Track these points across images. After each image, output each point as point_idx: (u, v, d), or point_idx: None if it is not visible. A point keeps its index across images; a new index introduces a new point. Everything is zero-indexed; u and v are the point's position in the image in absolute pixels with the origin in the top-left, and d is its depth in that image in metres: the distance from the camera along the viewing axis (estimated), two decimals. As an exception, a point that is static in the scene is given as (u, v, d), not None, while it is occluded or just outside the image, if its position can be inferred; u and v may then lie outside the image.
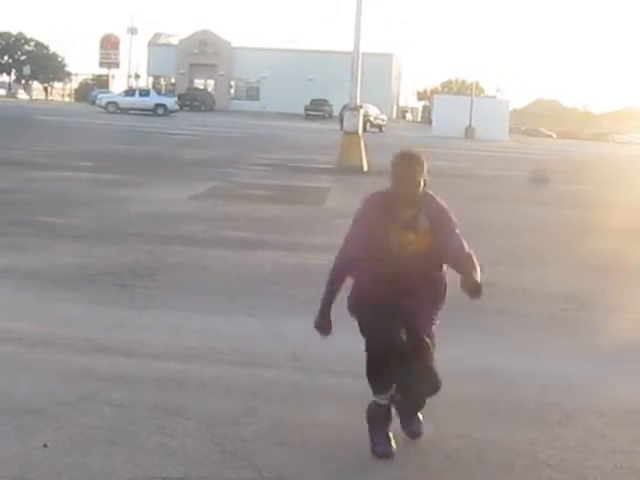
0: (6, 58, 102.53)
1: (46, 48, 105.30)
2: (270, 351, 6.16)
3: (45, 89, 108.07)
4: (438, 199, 4.48)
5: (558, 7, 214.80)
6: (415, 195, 4.39)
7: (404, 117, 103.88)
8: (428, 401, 4.65)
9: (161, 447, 4.40)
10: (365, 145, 23.76)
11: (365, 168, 22.65)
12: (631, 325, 7.68)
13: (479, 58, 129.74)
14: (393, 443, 4.37)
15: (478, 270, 4.29)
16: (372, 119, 58.76)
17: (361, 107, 25.24)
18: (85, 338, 6.21)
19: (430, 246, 4.39)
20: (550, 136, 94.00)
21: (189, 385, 5.39)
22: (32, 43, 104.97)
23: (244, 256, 9.99)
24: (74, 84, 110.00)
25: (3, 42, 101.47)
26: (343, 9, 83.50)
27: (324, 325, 4.66)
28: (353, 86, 24.39)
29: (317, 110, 76.42)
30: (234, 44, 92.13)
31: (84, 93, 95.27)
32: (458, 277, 4.35)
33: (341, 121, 32.60)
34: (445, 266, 4.54)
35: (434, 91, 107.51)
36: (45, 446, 4.33)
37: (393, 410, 4.54)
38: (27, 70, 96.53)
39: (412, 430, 4.65)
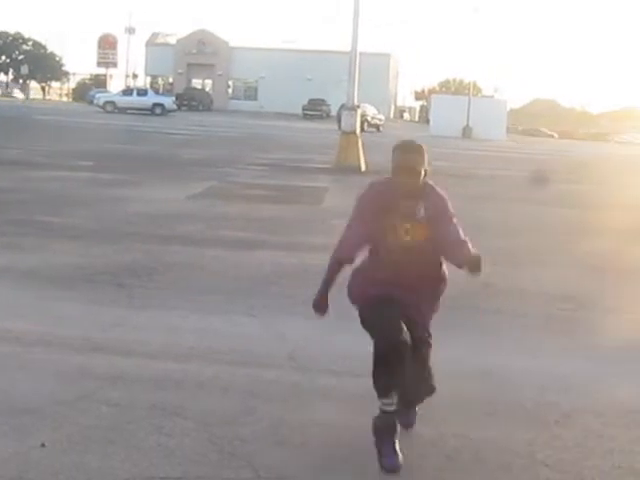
0: (3, 58, 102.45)
1: (44, 48, 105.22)
2: (269, 351, 6.16)
3: (43, 89, 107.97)
4: (438, 189, 4.48)
5: (556, 7, 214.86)
6: (415, 185, 4.39)
7: (402, 117, 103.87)
8: (427, 401, 4.65)
9: (159, 447, 4.40)
10: (363, 145, 23.76)
11: (363, 168, 22.65)
12: (629, 325, 7.68)
13: (477, 58, 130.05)
14: (400, 456, 4.32)
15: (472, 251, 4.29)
16: (370, 119, 58.78)
17: (359, 107, 25.25)
18: (83, 338, 6.20)
19: (427, 236, 4.39)
20: (552, 136, 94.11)
21: (187, 385, 5.38)
22: (30, 42, 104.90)
23: (242, 256, 9.98)
24: (72, 84, 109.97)
25: (1, 42, 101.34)
26: (341, 9, 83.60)
27: (321, 304, 4.66)
28: (351, 86, 24.39)
29: (315, 110, 76.46)
30: (232, 44, 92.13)
31: (82, 93, 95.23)
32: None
33: (339, 121, 32.61)
34: (445, 266, 4.54)
35: (432, 91, 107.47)
36: (43, 445, 4.32)
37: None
38: (25, 70, 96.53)
39: (407, 421, 4.65)
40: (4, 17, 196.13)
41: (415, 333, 4.38)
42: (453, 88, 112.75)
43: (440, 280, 4.58)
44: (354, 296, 4.60)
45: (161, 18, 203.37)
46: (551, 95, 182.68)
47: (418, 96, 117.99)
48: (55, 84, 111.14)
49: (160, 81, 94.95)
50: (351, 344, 5.72)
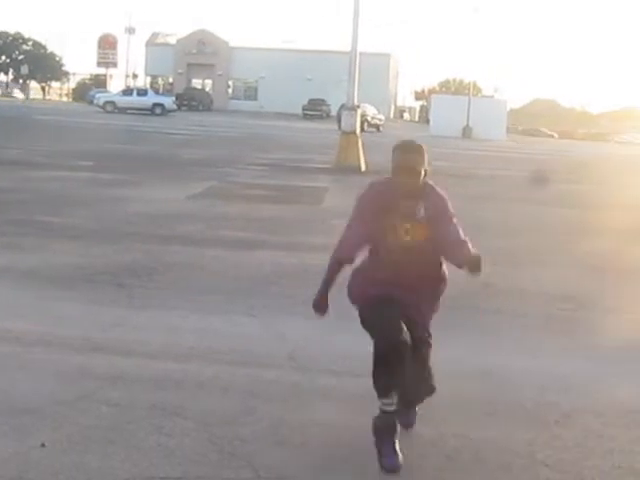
0: (3, 58, 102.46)
1: (44, 48, 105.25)
2: (269, 351, 6.16)
3: (43, 89, 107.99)
4: (438, 189, 4.47)
5: (555, 7, 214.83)
6: (415, 185, 4.38)
7: (402, 117, 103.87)
8: (427, 401, 4.65)
9: (159, 447, 4.40)
10: (363, 145, 23.76)
11: (363, 168, 22.65)
12: (629, 325, 7.68)
13: (477, 58, 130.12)
14: (400, 456, 4.32)
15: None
16: (370, 119, 58.78)
17: (359, 107, 25.25)
18: (83, 338, 6.20)
19: (427, 236, 4.38)
20: (552, 136, 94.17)
21: (187, 385, 5.38)
22: (30, 43, 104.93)
23: (242, 256, 9.98)
24: (72, 84, 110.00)
25: (1, 42, 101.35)
26: (341, 9, 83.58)
27: (321, 305, 4.66)
28: (351, 86, 24.39)
29: (315, 110, 76.47)
30: (232, 44, 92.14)
31: (82, 93, 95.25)
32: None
33: (339, 121, 32.61)
34: (445, 266, 4.53)
35: (432, 91, 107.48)
36: (43, 445, 4.32)
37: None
38: (25, 70, 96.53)
39: (407, 421, 4.65)
40: (4, 17, 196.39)
41: (415, 333, 4.37)
42: (453, 88, 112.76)
43: (440, 280, 4.58)
44: (354, 296, 4.60)
45: (161, 18, 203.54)
46: (551, 95, 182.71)
47: (418, 96, 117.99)
48: (55, 84, 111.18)
49: (160, 81, 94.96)
50: (351, 344, 5.72)
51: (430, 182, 4.46)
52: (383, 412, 4.36)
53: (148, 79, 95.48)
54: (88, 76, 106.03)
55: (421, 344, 4.43)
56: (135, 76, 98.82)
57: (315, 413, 5.02)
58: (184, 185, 16.83)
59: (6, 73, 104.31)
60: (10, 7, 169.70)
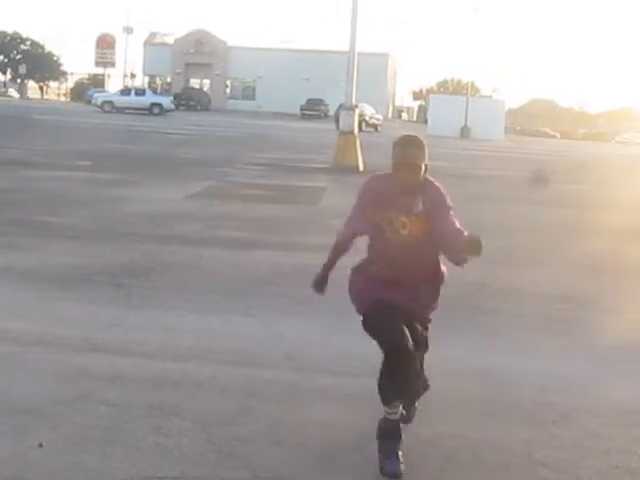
0: (1, 57, 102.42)
1: (42, 47, 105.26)
2: (267, 351, 6.16)
3: (41, 88, 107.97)
4: (437, 184, 4.43)
5: (554, 8, 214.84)
6: (416, 181, 4.34)
7: (400, 117, 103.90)
8: (426, 401, 4.65)
9: (157, 447, 4.40)
10: (361, 145, 23.76)
11: (361, 168, 22.65)
12: (627, 325, 7.69)
13: (475, 58, 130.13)
14: (402, 463, 4.30)
15: None
16: (368, 119, 58.82)
17: (357, 107, 25.26)
18: (81, 337, 6.20)
19: (425, 231, 4.34)
20: (554, 136, 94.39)
21: (185, 385, 5.38)
22: (28, 42, 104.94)
23: (240, 256, 9.98)
24: (70, 83, 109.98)
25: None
26: (339, 9, 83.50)
27: (321, 283, 4.62)
28: (349, 86, 24.40)
29: (313, 110, 76.46)
30: (230, 43, 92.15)
31: (80, 92, 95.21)
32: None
33: (337, 121, 32.68)
34: (443, 265, 4.52)
35: (430, 91, 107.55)
36: (41, 445, 4.32)
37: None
38: (23, 69, 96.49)
39: (407, 417, 4.65)
40: (2, 17, 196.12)
41: (415, 336, 4.36)
42: (451, 88, 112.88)
43: (437, 276, 4.54)
44: (354, 294, 4.58)
45: (159, 18, 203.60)
46: (549, 95, 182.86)
47: (416, 96, 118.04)
48: (53, 84, 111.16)
49: (158, 81, 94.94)
50: (349, 344, 5.73)
51: (430, 178, 4.44)
52: (388, 421, 4.36)
53: (146, 79, 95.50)
54: (86, 76, 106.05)
55: (419, 345, 4.43)
56: (133, 76, 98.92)
57: (313, 413, 5.02)
58: (182, 185, 16.83)
59: (4, 73, 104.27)
60: (8, 7, 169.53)
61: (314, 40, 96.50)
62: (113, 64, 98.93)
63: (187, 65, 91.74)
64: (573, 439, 4.85)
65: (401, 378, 4.24)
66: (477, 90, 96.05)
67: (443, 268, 4.55)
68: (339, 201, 13.84)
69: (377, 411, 4.48)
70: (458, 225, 4.28)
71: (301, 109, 77.17)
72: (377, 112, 65.92)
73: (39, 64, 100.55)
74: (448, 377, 5.09)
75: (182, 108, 70.97)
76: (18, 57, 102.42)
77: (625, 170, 33.47)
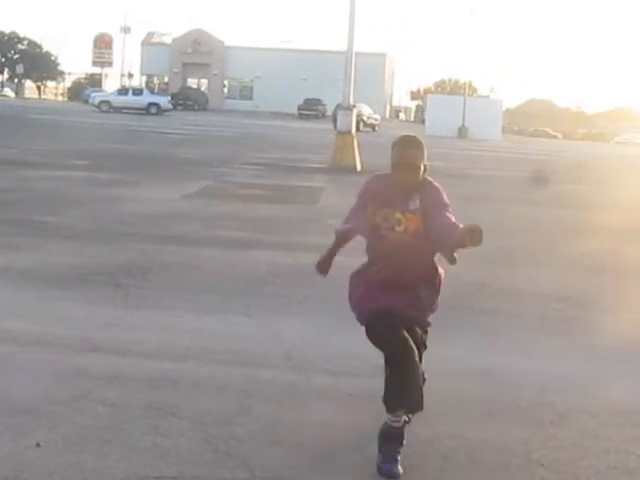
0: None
1: (39, 47, 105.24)
2: (265, 351, 6.15)
3: (38, 88, 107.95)
4: (436, 184, 4.41)
5: (551, 8, 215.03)
6: (415, 181, 4.33)
7: (397, 117, 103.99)
8: (426, 401, 4.64)
9: (154, 446, 4.39)
10: (358, 145, 23.78)
11: (358, 167, 22.66)
12: (626, 325, 7.69)
13: (473, 58, 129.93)
14: (400, 466, 4.28)
15: None
16: (365, 119, 58.83)
17: (354, 107, 25.24)
18: (79, 337, 6.19)
19: (420, 229, 4.30)
20: (555, 137, 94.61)
21: (182, 385, 5.37)
22: (25, 42, 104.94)
23: (238, 256, 9.98)
24: (67, 83, 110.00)
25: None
26: (337, 9, 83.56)
27: (324, 265, 4.50)
28: (346, 86, 24.39)
29: (310, 110, 76.49)
30: (227, 43, 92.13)
31: (77, 92, 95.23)
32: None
33: (334, 121, 32.64)
34: (440, 267, 4.51)
35: (427, 91, 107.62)
36: (38, 445, 4.31)
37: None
38: (20, 69, 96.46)
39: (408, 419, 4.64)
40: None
41: (414, 340, 4.35)
42: (449, 88, 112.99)
43: (435, 277, 4.52)
44: (354, 302, 4.55)
45: (157, 17, 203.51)
46: (546, 95, 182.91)
47: (414, 96, 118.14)
48: (51, 83, 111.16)
49: (155, 80, 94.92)
50: (347, 344, 5.72)
51: (429, 178, 4.43)
52: (391, 427, 4.36)
53: (143, 78, 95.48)
54: (83, 75, 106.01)
55: (418, 348, 4.41)
56: (130, 75, 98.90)
57: (311, 413, 5.02)
58: (179, 185, 16.82)
59: (1, 72, 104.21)
60: (5, 6, 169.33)
61: (312, 40, 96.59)
62: (110, 64, 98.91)
63: (185, 65, 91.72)
64: (571, 439, 4.84)
65: (405, 387, 4.22)
66: (474, 90, 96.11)
67: (441, 270, 4.53)
68: (337, 201, 13.85)
69: (376, 411, 4.48)
70: (455, 221, 4.25)
71: (299, 109, 77.21)
72: (375, 112, 65.99)
73: (36, 64, 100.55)
74: (447, 377, 5.09)
75: (179, 108, 71.00)
76: (15, 57, 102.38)
77: (624, 170, 33.49)
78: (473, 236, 3.89)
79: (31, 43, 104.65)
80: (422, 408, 4.32)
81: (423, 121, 73.27)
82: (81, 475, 4.05)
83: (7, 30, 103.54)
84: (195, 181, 17.67)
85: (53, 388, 5.17)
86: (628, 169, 35.53)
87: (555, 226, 14.25)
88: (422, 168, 4.34)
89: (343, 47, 24.86)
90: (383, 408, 4.33)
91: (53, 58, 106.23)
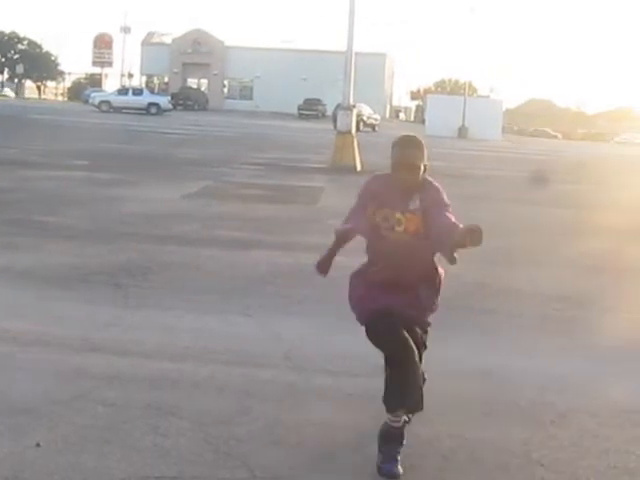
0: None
1: (39, 47, 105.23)
2: (265, 351, 6.15)
3: (38, 88, 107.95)
4: (436, 184, 4.40)
5: (551, 8, 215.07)
6: (415, 181, 4.32)
7: (397, 117, 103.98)
8: (426, 401, 4.64)
9: (154, 446, 4.39)
10: (358, 144, 23.77)
11: (358, 167, 22.66)
12: (626, 324, 7.69)
13: (473, 58, 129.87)
14: (400, 467, 4.28)
15: None
16: (365, 119, 58.81)
17: (354, 107, 25.24)
18: (79, 337, 6.19)
19: (420, 229, 4.30)
20: (556, 137, 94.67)
21: (182, 385, 5.37)
22: (25, 42, 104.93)
23: (238, 256, 9.98)
24: (67, 83, 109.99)
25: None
26: (336, 9, 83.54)
27: (324, 265, 4.50)
28: (346, 86, 24.39)
29: (310, 109, 76.50)
30: (227, 43, 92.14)
31: (77, 92, 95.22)
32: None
33: (334, 120, 32.64)
34: (441, 268, 4.50)
35: (427, 91, 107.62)
36: (38, 445, 4.31)
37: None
38: (20, 69, 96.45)
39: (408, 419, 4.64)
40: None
41: (414, 340, 4.34)
42: (449, 88, 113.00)
43: (435, 277, 4.51)
44: (354, 302, 4.55)
45: (157, 17, 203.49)
46: (546, 95, 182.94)
47: (414, 96, 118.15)
48: (51, 83, 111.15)
49: (155, 80, 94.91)
50: (347, 344, 5.72)
51: (429, 178, 4.42)
52: (391, 427, 4.36)
53: (143, 78, 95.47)
54: (83, 75, 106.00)
55: (418, 348, 4.41)
56: (130, 75, 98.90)
57: (311, 413, 5.02)
58: (179, 185, 16.82)
59: (1, 72, 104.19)
60: (5, 6, 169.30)
61: (312, 40, 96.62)
62: (110, 64, 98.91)
63: (185, 65, 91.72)
64: (571, 439, 4.84)
65: (405, 387, 4.22)
66: (474, 90, 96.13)
67: (441, 270, 4.53)
68: (337, 201, 13.85)
69: (376, 411, 4.48)
70: (454, 221, 4.24)
71: (299, 109, 77.21)
72: (375, 112, 65.98)
73: (36, 64, 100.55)
74: (447, 377, 5.09)
75: (179, 108, 71.00)
76: (15, 57, 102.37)
77: (624, 170, 33.49)
78: (473, 236, 3.88)
79: (31, 43, 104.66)
80: (422, 408, 4.32)
81: (423, 121, 73.27)
82: (81, 475, 4.05)
83: (7, 30, 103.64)
84: (195, 181, 17.67)
85: (53, 388, 5.17)
86: (628, 169, 35.52)
87: (555, 226, 14.25)
88: (422, 168, 4.34)
89: (343, 47, 24.86)
90: (383, 408, 4.34)
91: (53, 58, 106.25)
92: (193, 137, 36.61)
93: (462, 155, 37.07)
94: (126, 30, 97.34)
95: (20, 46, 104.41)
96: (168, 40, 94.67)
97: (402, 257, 4.34)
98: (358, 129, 29.89)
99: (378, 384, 4.38)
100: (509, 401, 5.40)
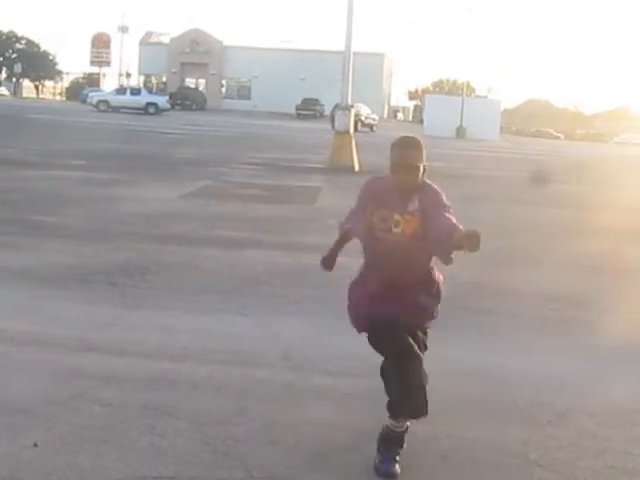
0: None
1: (37, 46, 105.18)
2: (263, 351, 6.14)
3: (36, 87, 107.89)
4: (435, 186, 4.38)
5: (548, 8, 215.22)
6: (414, 182, 4.29)
7: (395, 117, 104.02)
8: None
9: (152, 447, 4.39)
10: (356, 145, 23.76)
11: (356, 168, 22.66)
12: (624, 325, 7.69)
13: (470, 58, 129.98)
14: (398, 467, 4.28)
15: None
16: (363, 118, 58.79)
17: (352, 106, 25.24)
18: (76, 337, 6.18)
19: (418, 231, 4.26)
20: (558, 137, 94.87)
21: (180, 385, 5.37)
22: (23, 41, 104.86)
23: (236, 255, 9.97)
24: (65, 83, 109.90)
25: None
26: (335, 9, 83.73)
27: (329, 261, 4.50)
28: (344, 85, 24.38)
29: (308, 109, 76.53)
30: (225, 43, 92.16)
31: (75, 92, 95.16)
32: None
33: (332, 120, 32.63)
34: (440, 275, 4.47)
35: (425, 91, 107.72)
36: (35, 445, 4.31)
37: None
38: (18, 68, 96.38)
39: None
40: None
41: (416, 342, 4.32)
42: (447, 88, 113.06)
43: (433, 283, 4.48)
44: (353, 314, 4.51)
45: (155, 17, 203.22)
46: (544, 95, 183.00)
47: (412, 96, 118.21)
48: (48, 83, 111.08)
49: (153, 80, 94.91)
50: (345, 344, 5.70)
51: (427, 180, 4.39)
52: (392, 431, 4.35)
53: (141, 78, 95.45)
54: (82, 75, 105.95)
55: (420, 349, 4.39)
56: (128, 75, 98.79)
57: (309, 413, 5.01)
58: (178, 184, 16.81)
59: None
60: (3, 6, 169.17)
61: (310, 40, 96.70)
62: (109, 63, 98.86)
63: (183, 64, 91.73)
64: (569, 439, 4.84)
65: (410, 394, 4.19)
66: (472, 90, 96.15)
67: (440, 277, 4.50)
68: (335, 201, 13.86)
69: (374, 411, 4.47)
70: (455, 222, 4.21)
71: (297, 109, 77.23)
72: (373, 112, 65.95)
73: (34, 63, 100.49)
74: (445, 377, 5.07)
75: (178, 107, 70.99)
76: (13, 56, 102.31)
77: (623, 171, 33.50)
78: (471, 241, 3.85)
79: (29, 42, 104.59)
80: (427, 413, 4.31)
81: (421, 121, 73.26)
82: (78, 475, 4.04)
83: (5, 29, 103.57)
84: (193, 181, 17.66)
85: (50, 388, 5.16)
86: (627, 169, 35.53)
87: (554, 226, 14.25)
88: (421, 169, 4.32)
89: (341, 47, 24.84)
90: (381, 408, 4.32)
91: (51, 57, 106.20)
92: (191, 137, 36.60)
93: (461, 155, 37.06)
94: (124, 30, 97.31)
95: (18, 45, 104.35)
96: (166, 40, 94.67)
97: (398, 259, 4.30)
98: (356, 129, 29.92)
99: (377, 384, 4.37)
100: (507, 401, 5.39)
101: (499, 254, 10.28)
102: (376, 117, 67.23)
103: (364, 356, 4.53)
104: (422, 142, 4.39)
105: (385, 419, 4.36)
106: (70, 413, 4.77)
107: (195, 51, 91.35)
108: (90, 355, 5.84)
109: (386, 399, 4.34)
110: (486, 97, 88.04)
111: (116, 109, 60.02)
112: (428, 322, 4.51)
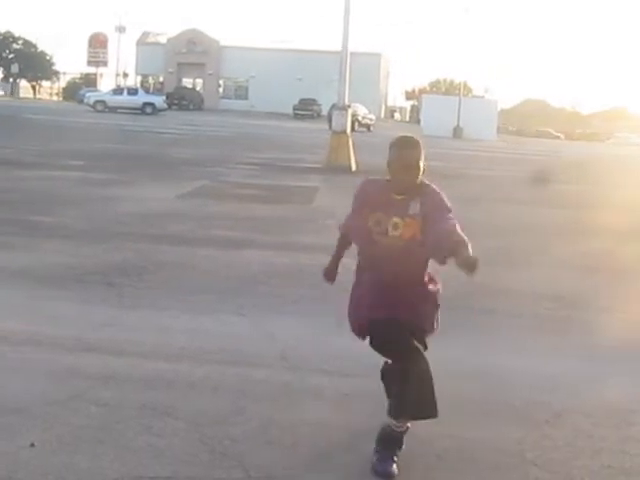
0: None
1: (34, 46, 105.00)
2: (260, 351, 6.15)
3: (33, 87, 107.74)
4: (433, 186, 4.35)
5: (545, 8, 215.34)
6: (413, 182, 4.27)
7: (392, 117, 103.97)
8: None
9: (149, 447, 4.39)
10: (353, 144, 23.77)
11: (353, 167, 22.67)
12: (621, 325, 7.69)
13: (467, 58, 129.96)
14: (396, 467, 4.28)
15: (468, 243, 3.97)
16: (360, 118, 58.83)
17: (349, 107, 25.26)
18: (73, 337, 6.18)
19: (417, 234, 4.22)
20: (558, 137, 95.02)
21: (178, 385, 5.37)
22: (20, 41, 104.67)
23: (233, 255, 9.97)
24: (62, 83, 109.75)
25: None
26: (332, 9, 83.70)
27: (330, 273, 4.58)
28: (341, 86, 24.40)
29: (306, 109, 76.52)
30: (222, 43, 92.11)
31: (72, 92, 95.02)
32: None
33: (330, 120, 32.71)
34: (438, 284, 4.46)
35: (422, 91, 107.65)
36: (32, 445, 4.31)
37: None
38: (15, 68, 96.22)
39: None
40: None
41: (418, 342, 4.32)
42: (444, 88, 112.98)
43: (431, 292, 4.47)
44: (353, 325, 4.49)
45: (152, 17, 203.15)
46: (541, 95, 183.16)
47: (409, 96, 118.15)
48: (45, 83, 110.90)
49: (150, 80, 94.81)
50: (343, 344, 5.70)
51: (426, 181, 4.37)
52: (393, 431, 4.35)
53: (138, 78, 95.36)
54: (78, 75, 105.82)
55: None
56: (125, 75, 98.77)
57: (306, 413, 5.01)
58: (175, 184, 16.81)
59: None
60: (0, 6, 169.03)
61: (307, 40, 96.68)
62: (105, 63, 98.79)
63: (180, 64, 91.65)
64: (565, 439, 4.85)
65: (419, 398, 4.19)
66: (469, 90, 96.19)
67: (438, 286, 4.48)
68: (332, 201, 13.88)
69: (372, 411, 4.48)
70: (457, 226, 4.16)
71: (294, 109, 77.20)
72: (370, 112, 65.96)
73: (31, 63, 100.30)
74: (443, 377, 5.06)
75: (174, 108, 70.96)
76: (10, 56, 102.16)
77: (622, 171, 33.51)
78: (468, 267, 3.84)
79: (26, 43, 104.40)
80: (437, 414, 4.31)
81: (418, 121, 73.27)
82: (75, 475, 4.04)
83: (2, 29, 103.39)
84: (190, 181, 17.66)
85: (47, 388, 5.16)
86: (627, 169, 35.54)
87: (552, 226, 14.26)
88: (421, 169, 4.30)
89: (338, 47, 24.85)
90: (379, 407, 4.34)
91: (48, 58, 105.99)
92: (188, 137, 36.59)
93: (458, 155, 37.05)
94: (121, 30, 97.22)
95: (15, 46, 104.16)
96: (163, 40, 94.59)
97: (394, 262, 4.26)
98: (353, 129, 29.90)
99: (374, 384, 4.37)
100: (504, 401, 5.39)
101: (498, 254, 10.28)
102: (373, 117, 67.24)
103: (360, 356, 4.54)
104: (421, 143, 4.38)
105: (383, 418, 4.36)
106: (67, 413, 4.77)
107: (192, 51, 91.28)
108: (88, 355, 5.84)
109: (384, 399, 4.34)
110: (483, 97, 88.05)
111: (113, 109, 59.99)
112: (428, 329, 4.48)
